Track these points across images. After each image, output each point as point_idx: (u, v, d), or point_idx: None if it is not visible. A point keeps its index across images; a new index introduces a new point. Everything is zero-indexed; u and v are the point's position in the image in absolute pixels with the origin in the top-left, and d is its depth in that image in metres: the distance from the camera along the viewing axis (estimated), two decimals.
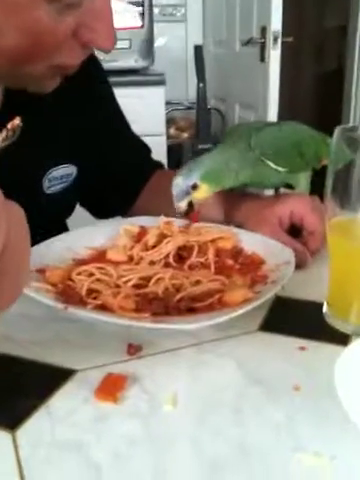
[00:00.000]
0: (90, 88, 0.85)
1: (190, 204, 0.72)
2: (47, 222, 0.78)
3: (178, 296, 0.56)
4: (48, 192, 0.81)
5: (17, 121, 0.54)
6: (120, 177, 0.93)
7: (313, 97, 3.70)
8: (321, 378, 0.48)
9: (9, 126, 0.51)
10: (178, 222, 0.75)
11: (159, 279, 0.60)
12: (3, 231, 0.28)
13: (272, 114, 2.41)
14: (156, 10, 2.93)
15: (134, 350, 0.52)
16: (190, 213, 0.73)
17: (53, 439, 0.42)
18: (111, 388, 0.46)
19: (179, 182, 0.72)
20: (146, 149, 0.98)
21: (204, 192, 0.72)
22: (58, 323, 0.57)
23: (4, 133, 0.52)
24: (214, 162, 0.73)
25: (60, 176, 0.81)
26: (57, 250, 0.68)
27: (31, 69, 0.60)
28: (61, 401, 0.46)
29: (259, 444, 0.41)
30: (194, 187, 0.71)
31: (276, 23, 2.30)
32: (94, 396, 0.46)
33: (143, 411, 0.45)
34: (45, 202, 0.80)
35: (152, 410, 0.45)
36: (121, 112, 0.95)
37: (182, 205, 0.72)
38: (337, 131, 0.54)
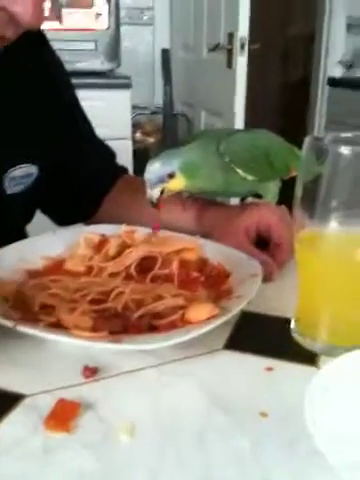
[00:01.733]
0: (50, 86, 0.82)
1: (161, 193, 0.69)
2: (6, 226, 0.75)
3: (138, 313, 0.53)
4: (8, 192, 0.77)
5: None
6: (82, 181, 0.89)
7: (279, 104, 3.72)
8: (289, 403, 0.45)
9: None
10: (141, 231, 0.71)
11: (119, 294, 0.56)
12: None
13: (238, 121, 2.40)
14: (123, 13, 2.89)
15: (90, 372, 0.48)
16: (158, 203, 0.70)
17: None
18: (63, 416, 0.42)
19: (156, 168, 0.68)
20: (110, 153, 0.95)
21: (179, 183, 0.69)
22: (7, 341, 0.52)
23: None
24: (195, 155, 0.70)
25: (20, 176, 0.78)
26: (10, 260, 0.64)
27: None
28: (7, 429, 0.42)
29: (224, 478, 0.38)
30: (170, 176, 0.68)
31: (243, 29, 2.29)
32: (44, 424, 0.42)
33: (97, 442, 0.41)
34: (5, 202, 0.77)
35: (107, 441, 0.41)
36: (84, 113, 0.91)
37: (155, 192, 0.69)
38: (307, 140, 0.52)
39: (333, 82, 2.98)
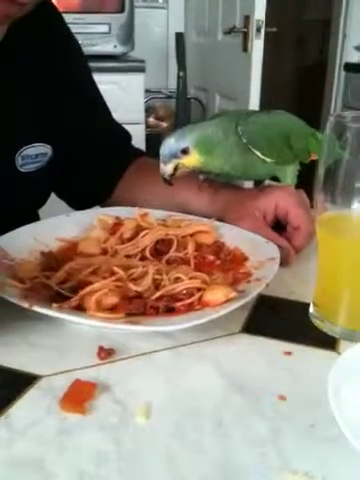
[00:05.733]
0: (66, 67, 0.82)
1: (175, 170, 0.68)
2: (20, 207, 0.74)
3: (157, 294, 0.52)
4: (22, 170, 0.77)
5: None
6: (97, 163, 0.89)
7: (295, 89, 3.67)
8: (308, 388, 0.44)
9: None
10: (155, 214, 0.70)
11: (142, 274, 0.55)
12: None
13: (253, 105, 2.37)
14: None
15: (105, 354, 0.47)
16: (171, 179, 0.69)
17: (11, 455, 0.37)
18: (78, 397, 0.42)
19: (170, 143, 0.67)
20: (126, 135, 0.94)
21: (193, 160, 0.68)
22: (23, 322, 0.52)
23: None
24: (211, 132, 0.68)
25: (34, 154, 0.78)
26: (24, 241, 0.63)
27: None
28: (22, 411, 0.41)
29: (242, 463, 0.37)
30: (184, 151, 0.67)
31: (260, 12, 2.25)
32: (59, 406, 0.41)
33: (113, 424, 0.40)
34: (19, 181, 0.77)
35: (123, 423, 0.40)
36: (100, 95, 0.91)
37: (168, 168, 0.68)
38: (330, 120, 0.50)
39: (349, 67, 2.93)
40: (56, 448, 0.38)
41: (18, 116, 0.75)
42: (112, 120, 0.93)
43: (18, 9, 0.62)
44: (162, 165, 0.68)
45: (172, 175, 0.69)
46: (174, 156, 0.67)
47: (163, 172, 0.69)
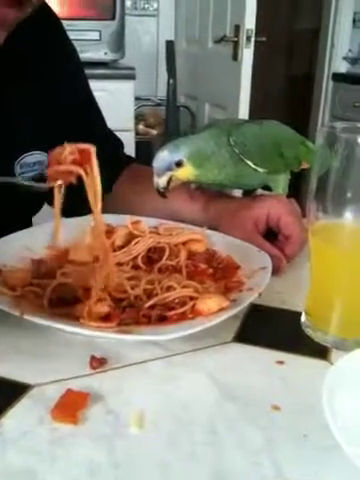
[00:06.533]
0: (63, 72, 0.82)
1: (168, 182, 0.68)
2: (17, 213, 0.75)
3: (150, 303, 0.52)
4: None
5: None
6: None
7: (283, 99, 3.70)
8: (301, 397, 0.44)
9: None
10: (147, 221, 0.70)
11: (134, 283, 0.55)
12: None
13: (243, 114, 2.37)
14: (128, 3, 2.87)
15: (97, 363, 0.47)
16: (165, 192, 0.69)
17: (3, 465, 0.37)
18: (71, 407, 0.41)
19: (164, 156, 0.67)
20: (118, 143, 0.94)
21: (187, 172, 0.68)
22: (14, 331, 0.51)
23: None
24: (204, 144, 0.69)
25: (32, 163, 0.78)
26: (15, 248, 0.63)
27: None
28: (14, 420, 0.41)
29: (236, 472, 0.37)
30: (178, 164, 0.67)
31: (250, 21, 2.26)
32: (51, 416, 0.41)
33: (106, 434, 0.40)
34: (17, 189, 0.76)
35: (116, 432, 0.40)
36: (95, 102, 0.91)
37: (162, 181, 0.68)
38: (321, 130, 0.51)
39: (338, 77, 2.96)
40: (49, 458, 0.38)
41: (18, 123, 0.75)
42: (106, 127, 0.93)
43: (16, 14, 0.62)
44: (156, 178, 0.68)
45: (166, 188, 0.69)
46: (168, 169, 0.67)
47: (157, 185, 0.69)
